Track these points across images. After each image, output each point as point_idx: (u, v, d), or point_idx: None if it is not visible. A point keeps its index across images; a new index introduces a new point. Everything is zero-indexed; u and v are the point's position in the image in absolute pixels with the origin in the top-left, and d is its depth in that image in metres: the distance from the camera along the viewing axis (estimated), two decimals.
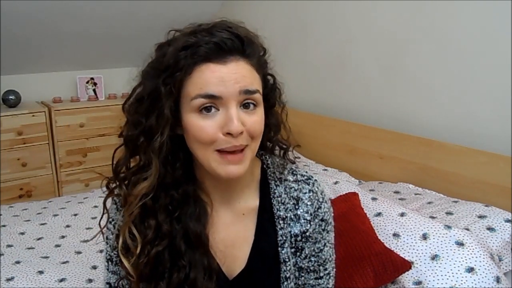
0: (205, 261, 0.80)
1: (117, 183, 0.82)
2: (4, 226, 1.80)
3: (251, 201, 0.87)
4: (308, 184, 0.87)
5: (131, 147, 0.80)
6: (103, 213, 0.86)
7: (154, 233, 0.78)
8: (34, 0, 2.36)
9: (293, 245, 0.86)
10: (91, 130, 2.91)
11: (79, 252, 1.64)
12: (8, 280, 1.40)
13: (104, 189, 0.86)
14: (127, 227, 0.78)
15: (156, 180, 0.78)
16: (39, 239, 1.73)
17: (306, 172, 0.90)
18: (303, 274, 0.88)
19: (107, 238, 0.88)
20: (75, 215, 1.93)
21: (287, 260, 0.85)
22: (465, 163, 1.64)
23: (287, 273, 0.85)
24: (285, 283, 0.85)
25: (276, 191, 0.86)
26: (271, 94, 0.84)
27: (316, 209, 0.86)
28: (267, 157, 0.90)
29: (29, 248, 1.65)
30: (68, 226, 1.84)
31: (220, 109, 0.73)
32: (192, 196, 0.82)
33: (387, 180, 1.88)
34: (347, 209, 1.42)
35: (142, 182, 0.78)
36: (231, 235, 0.86)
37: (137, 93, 0.79)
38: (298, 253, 0.87)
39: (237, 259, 0.85)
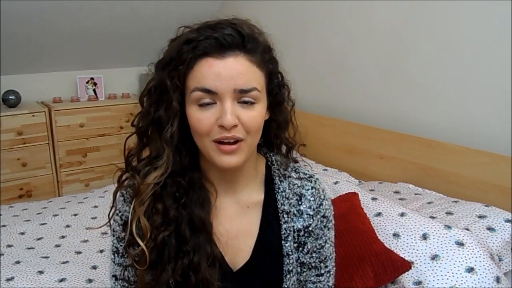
0: (208, 248, 0.82)
1: (130, 173, 0.84)
2: (4, 226, 1.80)
3: (256, 195, 0.89)
4: (310, 182, 0.90)
5: (143, 137, 0.83)
6: (113, 205, 0.87)
7: (161, 218, 0.81)
8: (34, 0, 2.36)
9: (296, 240, 0.88)
10: (91, 130, 2.91)
11: (79, 252, 1.64)
12: (8, 280, 1.40)
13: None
14: (141, 214, 0.80)
15: (167, 170, 0.80)
16: (39, 239, 1.73)
17: (308, 170, 0.93)
18: (304, 270, 0.91)
19: (113, 230, 0.89)
20: (75, 215, 1.93)
21: (290, 253, 0.87)
22: (465, 163, 1.64)
23: (290, 266, 0.87)
24: (288, 276, 0.88)
25: (280, 186, 0.89)
26: (277, 91, 0.86)
27: (318, 205, 0.89)
28: (271, 155, 0.93)
29: (29, 248, 1.65)
30: (68, 226, 1.84)
31: (217, 102, 0.76)
32: (197, 183, 0.84)
33: (387, 180, 1.88)
34: (347, 209, 1.42)
35: (154, 172, 0.80)
36: (235, 227, 0.87)
37: (147, 85, 0.82)
38: (300, 248, 0.89)
39: (240, 251, 0.87)
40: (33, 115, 2.71)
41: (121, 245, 0.87)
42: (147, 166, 0.82)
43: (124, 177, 0.86)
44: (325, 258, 0.92)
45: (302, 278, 0.91)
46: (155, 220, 0.80)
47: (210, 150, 0.78)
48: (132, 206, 0.81)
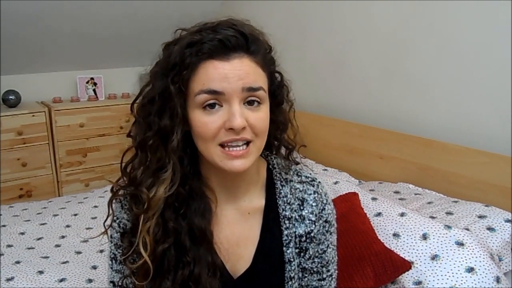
0: (209, 258, 0.80)
1: (132, 189, 0.81)
2: (4, 226, 1.80)
3: (257, 200, 0.87)
4: (313, 186, 0.88)
5: (145, 149, 0.79)
6: (108, 215, 0.85)
7: (161, 230, 0.79)
8: (34, 0, 2.36)
9: (298, 245, 0.87)
10: (91, 130, 2.91)
11: (79, 252, 1.64)
12: (8, 280, 1.40)
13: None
14: (150, 230, 0.78)
15: (174, 180, 0.78)
16: (39, 239, 1.73)
17: (310, 173, 0.91)
18: (306, 275, 0.89)
19: (111, 237, 0.88)
20: (75, 215, 1.93)
21: (291, 260, 0.86)
22: (465, 163, 1.64)
23: (291, 273, 0.86)
24: (290, 283, 0.86)
25: (282, 191, 0.87)
26: (278, 91, 0.85)
27: (320, 210, 0.87)
28: (273, 158, 0.91)
29: (29, 248, 1.65)
30: (68, 226, 1.84)
31: (223, 105, 0.74)
32: (198, 192, 0.82)
33: (387, 180, 1.88)
34: (347, 209, 1.42)
35: (162, 184, 0.77)
36: (236, 234, 0.86)
37: (147, 94, 0.79)
38: (302, 254, 0.87)
39: (241, 258, 0.86)
40: (33, 115, 2.71)
41: (119, 252, 0.86)
42: (150, 177, 0.78)
43: (117, 188, 0.83)
44: (327, 263, 0.90)
45: (303, 283, 0.89)
46: (155, 232, 0.78)
47: (215, 155, 0.75)
48: (139, 222, 0.78)
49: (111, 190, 0.84)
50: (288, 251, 0.85)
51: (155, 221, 0.78)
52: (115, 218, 0.86)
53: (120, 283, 0.87)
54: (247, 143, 0.75)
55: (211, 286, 0.79)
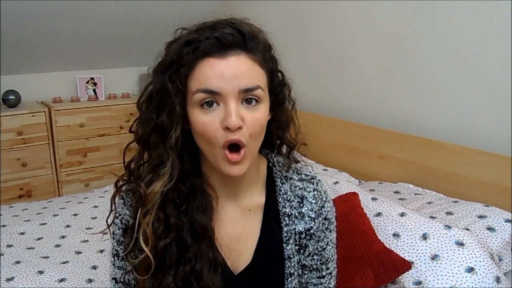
0: (211, 254, 0.81)
1: (132, 180, 0.83)
2: (4, 226, 1.80)
3: (257, 197, 0.88)
4: (312, 184, 0.89)
5: (144, 144, 0.81)
6: (111, 210, 0.86)
7: (163, 226, 0.80)
8: (34, 0, 2.36)
9: (297, 242, 0.88)
10: (91, 130, 2.91)
11: (79, 252, 1.64)
12: (8, 280, 1.40)
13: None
14: (149, 224, 0.79)
15: (172, 176, 0.79)
16: (39, 239, 1.73)
17: (310, 172, 0.92)
18: (306, 272, 0.90)
19: (113, 233, 0.89)
20: (75, 215, 1.93)
21: (291, 256, 0.87)
22: (465, 163, 1.64)
23: (291, 269, 0.87)
24: (289, 279, 0.87)
25: (282, 188, 0.88)
26: (279, 90, 0.85)
27: (320, 208, 0.88)
28: (273, 156, 0.92)
29: (29, 248, 1.65)
30: (68, 226, 1.84)
31: (220, 104, 0.74)
32: (198, 189, 0.83)
33: (387, 180, 1.88)
34: (347, 209, 1.42)
35: (159, 180, 0.78)
36: (237, 230, 0.87)
37: (147, 91, 0.80)
38: (301, 251, 0.88)
39: (242, 254, 0.86)
40: (33, 115, 2.71)
41: (121, 249, 0.87)
42: (150, 173, 0.79)
43: (122, 183, 0.84)
44: (326, 260, 0.91)
45: (303, 280, 0.90)
46: (157, 227, 0.79)
47: (219, 158, 0.76)
48: (137, 216, 0.80)
49: (115, 184, 0.85)
50: (287, 248, 0.86)
51: (155, 215, 0.79)
52: (117, 214, 0.87)
53: (122, 280, 0.87)
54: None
55: (213, 282, 0.80)
